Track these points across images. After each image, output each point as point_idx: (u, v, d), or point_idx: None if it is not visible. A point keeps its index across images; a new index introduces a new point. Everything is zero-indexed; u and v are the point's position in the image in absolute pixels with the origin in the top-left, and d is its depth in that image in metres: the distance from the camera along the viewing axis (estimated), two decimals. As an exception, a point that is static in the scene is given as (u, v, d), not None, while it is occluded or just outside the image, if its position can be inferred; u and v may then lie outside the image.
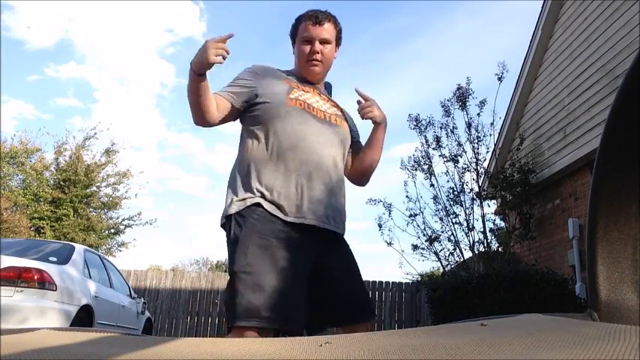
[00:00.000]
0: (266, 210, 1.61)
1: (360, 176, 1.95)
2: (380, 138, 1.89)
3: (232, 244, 1.59)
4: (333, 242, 1.75)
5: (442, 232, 7.43)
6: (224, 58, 1.57)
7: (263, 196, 1.63)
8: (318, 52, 1.83)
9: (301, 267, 1.59)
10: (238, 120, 1.83)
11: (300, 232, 1.62)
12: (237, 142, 1.84)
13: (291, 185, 1.65)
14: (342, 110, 1.93)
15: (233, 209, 1.64)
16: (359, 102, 1.85)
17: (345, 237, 1.83)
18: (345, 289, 1.71)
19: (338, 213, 1.75)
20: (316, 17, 1.83)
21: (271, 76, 1.82)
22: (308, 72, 1.87)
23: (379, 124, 1.85)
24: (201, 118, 1.70)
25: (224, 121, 1.77)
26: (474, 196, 7.34)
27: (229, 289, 1.52)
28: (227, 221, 1.66)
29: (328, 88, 2.00)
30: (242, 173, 1.71)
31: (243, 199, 1.64)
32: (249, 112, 1.77)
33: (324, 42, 1.84)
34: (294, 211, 1.63)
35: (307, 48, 1.84)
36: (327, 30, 1.84)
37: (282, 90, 1.77)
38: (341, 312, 1.69)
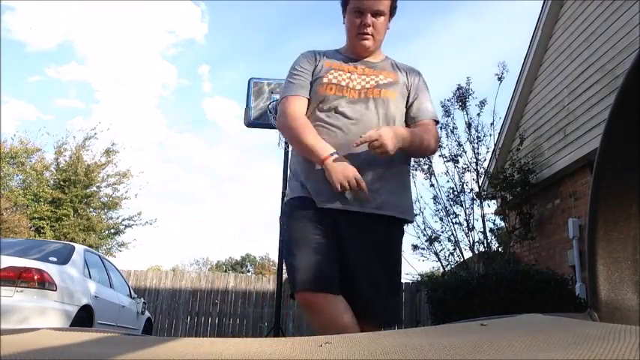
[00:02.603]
0: (301, 198, 1.69)
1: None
2: (410, 154, 1.80)
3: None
4: (370, 228, 1.66)
5: (442, 232, 7.44)
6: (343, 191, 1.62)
7: (302, 186, 1.70)
8: (369, 25, 1.70)
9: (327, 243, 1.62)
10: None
11: (329, 216, 1.64)
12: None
13: (321, 175, 1.64)
14: (397, 74, 1.80)
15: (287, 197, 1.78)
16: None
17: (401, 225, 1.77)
18: (355, 284, 1.63)
19: (379, 193, 1.67)
20: None
21: (319, 60, 1.79)
22: (358, 46, 1.76)
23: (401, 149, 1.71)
24: None
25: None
26: (474, 196, 7.34)
27: None
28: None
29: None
30: (292, 163, 1.83)
31: (290, 192, 1.77)
32: None
33: (376, 14, 1.70)
34: (324, 199, 1.65)
35: (358, 20, 1.71)
36: (380, 1, 1.69)
37: (321, 75, 1.74)
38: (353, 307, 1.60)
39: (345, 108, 1.68)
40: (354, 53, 1.80)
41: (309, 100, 1.75)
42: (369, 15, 1.70)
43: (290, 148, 1.89)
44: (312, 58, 1.79)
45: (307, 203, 1.66)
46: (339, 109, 1.68)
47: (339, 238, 1.63)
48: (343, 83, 1.71)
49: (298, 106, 1.73)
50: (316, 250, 1.58)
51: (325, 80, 1.71)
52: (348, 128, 1.67)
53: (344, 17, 1.78)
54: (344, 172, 1.57)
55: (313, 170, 1.67)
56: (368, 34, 1.72)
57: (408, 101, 1.81)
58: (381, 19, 1.72)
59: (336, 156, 1.60)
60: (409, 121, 1.82)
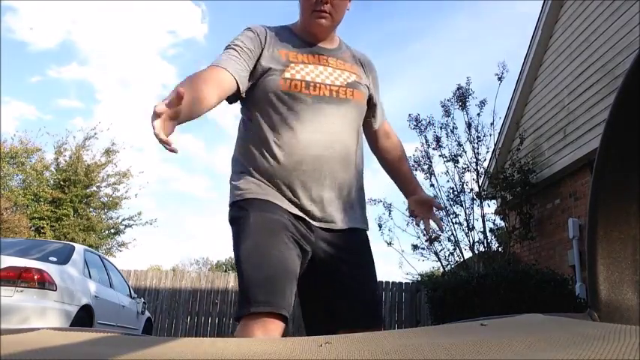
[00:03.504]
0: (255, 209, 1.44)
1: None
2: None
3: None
4: (339, 237, 1.51)
5: (442, 232, 7.44)
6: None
7: (259, 187, 1.45)
8: (327, 2, 1.52)
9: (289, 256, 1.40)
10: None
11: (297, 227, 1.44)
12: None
13: (287, 185, 1.46)
14: (359, 67, 1.65)
15: (231, 198, 1.50)
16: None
17: (367, 234, 1.63)
18: (352, 296, 1.50)
19: (349, 207, 1.53)
20: None
21: (273, 45, 1.54)
22: (313, 26, 1.56)
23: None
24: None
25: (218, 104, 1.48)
26: (474, 196, 7.34)
27: None
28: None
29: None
30: (241, 159, 1.53)
31: (240, 192, 1.48)
32: (249, 90, 1.52)
33: None
34: (293, 201, 1.45)
35: None
36: None
37: (278, 65, 1.49)
38: (343, 319, 1.48)
39: (312, 104, 1.49)
40: (308, 34, 1.60)
41: (243, 90, 1.50)
42: None
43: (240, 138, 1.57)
44: (258, 41, 1.53)
45: (269, 205, 1.44)
46: (304, 103, 1.48)
47: (308, 250, 1.47)
48: (308, 78, 1.50)
49: (217, 72, 1.42)
50: (281, 267, 1.36)
51: (288, 75, 1.48)
52: (312, 127, 1.47)
53: None
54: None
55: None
56: (325, 11, 1.53)
57: (369, 101, 1.66)
58: None
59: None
60: (369, 125, 1.71)
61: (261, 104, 1.50)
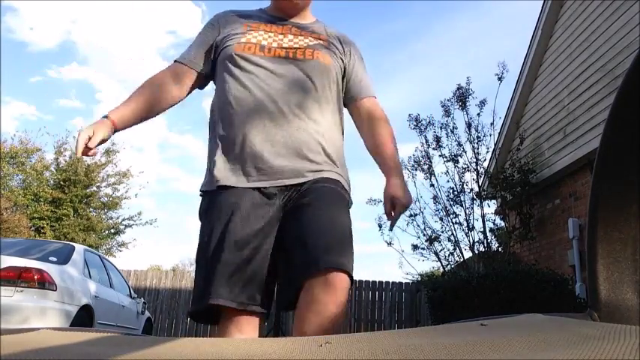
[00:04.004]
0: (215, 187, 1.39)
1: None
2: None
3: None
4: (297, 193, 1.38)
5: (442, 232, 7.44)
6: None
7: (211, 171, 1.42)
8: None
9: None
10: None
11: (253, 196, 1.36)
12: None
13: (234, 149, 1.39)
14: (332, 40, 1.57)
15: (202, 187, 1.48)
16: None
17: (329, 177, 1.42)
18: (302, 237, 1.29)
19: (306, 160, 1.40)
20: None
21: (232, 23, 1.53)
22: (283, 3, 1.55)
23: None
24: (160, 110, 1.53)
25: (189, 91, 1.57)
26: (474, 196, 7.34)
27: None
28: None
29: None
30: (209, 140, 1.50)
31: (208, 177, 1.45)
32: (211, 69, 1.54)
33: None
34: (238, 176, 1.38)
35: None
36: None
37: (236, 35, 1.49)
38: (296, 269, 1.27)
39: (266, 64, 1.44)
40: (280, 12, 1.57)
41: (204, 74, 1.55)
42: None
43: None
44: (217, 21, 1.55)
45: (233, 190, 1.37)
46: (257, 64, 1.43)
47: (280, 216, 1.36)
48: (264, 42, 1.47)
49: (171, 70, 1.53)
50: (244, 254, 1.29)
51: (243, 40, 1.46)
52: (266, 83, 1.41)
53: None
54: (85, 129, 1.37)
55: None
56: None
57: (344, 74, 1.57)
58: None
59: (103, 119, 1.41)
60: (349, 99, 1.60)
61: (220, 72, 1.49)
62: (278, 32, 1.51)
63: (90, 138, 1.36)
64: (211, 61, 1.54)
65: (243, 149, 1.38)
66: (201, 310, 1.30)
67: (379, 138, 1.56)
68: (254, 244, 1.31)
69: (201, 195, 1.47)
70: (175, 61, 1.55)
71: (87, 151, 1.36)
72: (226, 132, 1.42)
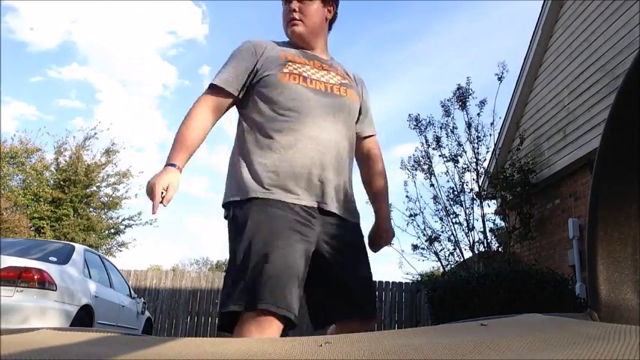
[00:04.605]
0: (265, 198, 1.48)
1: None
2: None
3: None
4: (339, 228, 1.57)
5: (442, 232, 7.45)
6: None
7: (262, 184, 1.50)
8: (295, 10, 1.67)
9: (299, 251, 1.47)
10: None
11: (303, 215, 1.50)
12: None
13: (292, 168, 1.51)
14: (351, 78, 1.77)
15: (235, 198, 1.53)
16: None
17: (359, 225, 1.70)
18: (347, 284, 1.56)
19: (346, 199, 1.61)
20: None
21: (270, 49, 1.67)
22: (290, 34, 1.71)
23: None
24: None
25: (224, 114, 1.68)
26: (474, 196, 7.34)
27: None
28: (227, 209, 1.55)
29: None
30: (242, 159, 1.58)
31: (244, 190, 1.52)
32: (247, 94, 1.65)
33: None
34: (297, 193, 1.50)
35: (286, 7, 1.70)
36: None
37: (276, 64, 1.62)
38: (340, 308, 1.56)
39: (309, 94, 1.59)
40: (296, 43, 1.73)
41: (237, 97, 1.65)
42: (294, 0, 1.68)
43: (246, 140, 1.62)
44: (255, 48, 1.66)
45: (278, 203, 1.49)
46: (303, 96, 1.58)
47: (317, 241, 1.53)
48: (305, 74, 1.62)
49: (212, 107, 1.62)
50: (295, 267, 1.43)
51: (286, 70, 1.60)
52: (312, 114, 1.56)
53: None
54: (161, 182, 1.46)
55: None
56: (295, 19, 1.67)
57: (360, 111, 1.78)
58: (309, 3, 1.69)
59: (173, 169, 1.51)
60: (358, 134, 1.79)
61: (262, 100, 1.60)
62: (312, 66, 1.67)
63: (165, 191, 1.46)
64: (247, 87, 1.65)
65: (309, 173, 1.52)
66: (240, 310, 1.38)
67: (376, 184, 1.82)
68: (302, 259, 1.45)
69: (240, 201, 1.51)
70: (215, 85, 1.62)
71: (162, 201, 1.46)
72: (281, 152, 1.52)
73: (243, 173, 1.53)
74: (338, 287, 1.56)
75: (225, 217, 1.58)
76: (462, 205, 7.36)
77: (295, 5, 1.68)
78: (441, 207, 7.46)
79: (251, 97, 1.63)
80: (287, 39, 1.77)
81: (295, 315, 1.39)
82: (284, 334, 1.41)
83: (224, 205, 1.58)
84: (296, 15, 1.68)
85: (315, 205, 1.52)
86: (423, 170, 7.69)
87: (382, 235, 1.79)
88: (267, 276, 1.37)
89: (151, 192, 1.45)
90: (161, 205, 1.46)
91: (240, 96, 1.65)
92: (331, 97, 1.62)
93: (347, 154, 1.64)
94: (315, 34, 1.73)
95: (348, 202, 1.63)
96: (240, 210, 1.50)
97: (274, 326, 1.36)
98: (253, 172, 1.52)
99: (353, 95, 1.70)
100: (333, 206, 1.55)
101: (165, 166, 1.52)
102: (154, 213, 1.45)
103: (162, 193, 1.45)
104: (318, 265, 1.52)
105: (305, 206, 1.50)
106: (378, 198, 1.81)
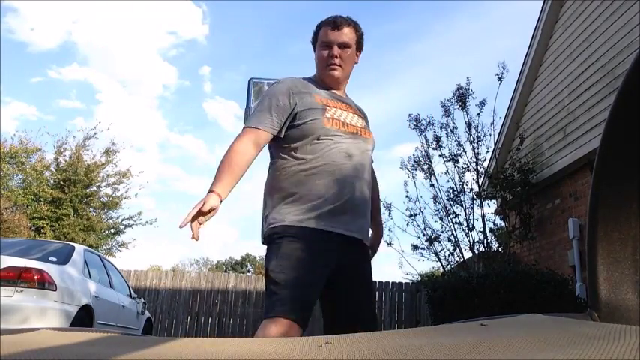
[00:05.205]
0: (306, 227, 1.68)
1: None
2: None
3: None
4: (360, 252, 1.83)
5: (442, 232, 7.44)
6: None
7: (305, 212, 1.70)
8: (336, 57, 1.83)
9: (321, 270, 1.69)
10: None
11: (331, 241, 1.71)
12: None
13: (331, 201, 1.71)
14: (363, 115, 1.96)
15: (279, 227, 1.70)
16: None
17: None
18: (355, 306, 1.77)
19: (367, 224, 1.86)
20: (335, 22, 1.84)
21: (304, 92, 1.81)
22: (327, 76, 1.87)
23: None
24: None
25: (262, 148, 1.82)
26: (474, 196, 7.34)
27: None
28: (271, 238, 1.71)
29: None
30: (281, 193, 1.75)
31: (284, 219, 1.70)
32: (286, 132, 1.79)
33: (343, 46, 1.84)
34: (329, 221, 1.70)
35: (326, 52, 1.84)
36: (346, 34, 1.84)
37: (317, 109, 1.78)
38: (342, 327, 1.72)
39: (347, 139, 1.80)
40: (324, 84, 1.90)
41: (278, 134, 1.79)
42: (336, 47, 1.83)
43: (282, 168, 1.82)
44: (290, 90, 1.81)
45: (314, 233, 1.69)
46: (342, 138, 1.78)
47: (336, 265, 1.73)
48: (342, 119, 1.81)
49: (252, 139, 1.75)
50: (315, 282, 1.66)
51: (328, 115, 1.78)
52: (350, 156, 1.78)
53: (315, 54, 1.91)
54: (196, 203, 1.61)
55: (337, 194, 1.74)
56: (336, 64, 1.84)
57: None
58: (348, 51, 1.85)
59: (215, 196, 1.62)
60: None
61: (307, 140, 1.76)
62: (343, 109, 1.85)
63: (200, 208, 1.57)
64: (286, 125, 1.79)
65: (344, 203, 1.72)
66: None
67: (374, 197, 1.99)
68: (322, 279, 1.67)
69: (288, 226, 1.69)
70: (251, 127, 1.76)
71: (196, 217, 1.57)
72: (316, 189, 1.72)
73: (287, 203, 1.72)
74: (346, 310, 1.76)
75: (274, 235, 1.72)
76: (462, 205, 7.36)
77: (337, 52, 1.83)
78: (441, 207, 7.46)
79: (295, 134, 1.77)
80: (310, 76, 1.93)
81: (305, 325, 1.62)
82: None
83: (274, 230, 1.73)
84: (337, 61, 1.84)
85: (346, 229, 1.74)
86: (423, 170, 7.68)
87: (378, 239, 2.06)
88: (299, 294, 1.61)
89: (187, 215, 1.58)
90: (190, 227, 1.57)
91: (281, 135, 1.78)
92: (362, 141, 1.84)
93: (367, 187, 1.84)
94: (346, 78, 1.93)
95: (367, 224, 1.85)
96: (285, 233, 1.68)
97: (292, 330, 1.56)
98: (296, 201, 1.71)
99: (371, 135, 1.92)
100: (360, 231, 1.79)
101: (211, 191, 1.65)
102: (193, 237, 1.59)
103: (196, 209, 1.57)
104: (331, 284, 1.71)
105: (337, 232, 1.71)
106: (375, 212, 2.01)
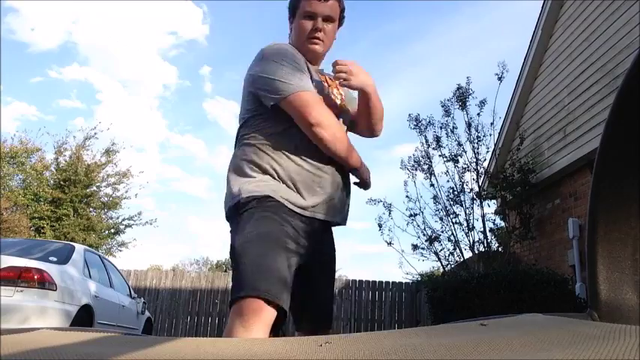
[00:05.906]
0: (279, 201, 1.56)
1: (371, 134, 1.91)
2: (374, 105, 1.78)
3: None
4: (327, 233, 1.74)
5: (442, 232, 7.45)
6: None
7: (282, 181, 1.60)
8: (321, 30, 1.69)
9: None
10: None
11: (311, 225, 1.61)
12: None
13: (310, 181, 1.61)
14: (336, 83, 1.82)
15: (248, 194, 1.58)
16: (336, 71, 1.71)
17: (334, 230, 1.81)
18: (321, 295, 1.73)
19: (345, 207, 1.75)
20: None
21: (304, 64, 1.68)
22: (308, 50, 1.72)
23: (367, 93, 1.74)
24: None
25: None
26: (474, 196, 7.34)
27: None
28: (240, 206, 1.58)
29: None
30: (257, 160, 1.61)
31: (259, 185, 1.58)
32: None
33: (327, 19, 1.70)
34: (309, 206, 1.60)
35: (309, 24, 1.69)
36: (331, 7, 1.70)
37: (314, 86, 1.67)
38: (308, 316, 1.72)
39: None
40: (308, 56, 1.76)
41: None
42: (320, 19, 1.69)
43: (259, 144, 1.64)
44: (307, 66, 1.70)
45: (286, 208, 1.56)
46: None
47: (309, 246, 1.61)
48: (334, 99, 1.75)
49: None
50: (288, 263, 1.53)
51: (326, 92, 1.73)
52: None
53: (291, 23, 1.77)
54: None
55: (320, 179, 1.63)
56: (319, 38, 1.70)
57: None
58: (331, 25, 1.73)
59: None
60: (351, 124, 1.89)
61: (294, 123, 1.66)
62: (331, 86, 1.78)
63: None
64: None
65: (324, 186, 1.64)
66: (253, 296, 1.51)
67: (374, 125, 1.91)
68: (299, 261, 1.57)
69: (260, 198, 1.56)
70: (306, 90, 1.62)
71: None
72: (300, 163, 1.61)
73: (258, 175, 1.61)
74: (312, 299, 1.71)
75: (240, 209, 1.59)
76: (462, 205, 7.36)
77: (321, 25, 1.70)
78: (441, 207, 7.46)
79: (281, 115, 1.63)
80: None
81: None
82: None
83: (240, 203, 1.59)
84: (320, 35, 1.70)
85: (320, 218, 1.64)
86: (423, 170, 7.69)
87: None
88: (264, 271, 1.51)
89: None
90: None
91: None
92: (343, 114, 1.77)
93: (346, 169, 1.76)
94: (325, 53, 1.81)
95: (345, 212, 1.75)
96: (250, 207, 1.56)
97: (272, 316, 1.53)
98: (269, 175, 1.60)
99: (349, 105, 1.84)
100: (335, 218, 1.70)
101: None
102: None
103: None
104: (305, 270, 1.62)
105: (307, 215, 1.60)
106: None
